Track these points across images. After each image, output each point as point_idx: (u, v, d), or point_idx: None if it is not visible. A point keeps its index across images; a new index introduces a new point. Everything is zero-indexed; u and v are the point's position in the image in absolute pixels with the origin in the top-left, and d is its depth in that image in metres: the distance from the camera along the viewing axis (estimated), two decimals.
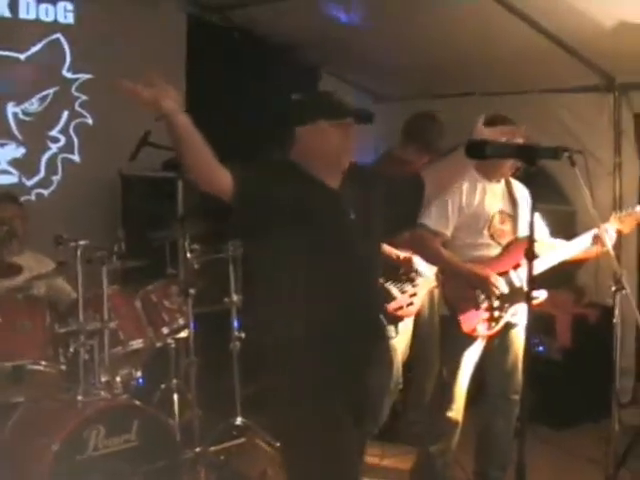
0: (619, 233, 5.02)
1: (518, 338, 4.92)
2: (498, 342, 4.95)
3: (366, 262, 3.64)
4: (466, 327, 4.81)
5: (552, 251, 4.92)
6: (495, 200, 4.91)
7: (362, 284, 3.62)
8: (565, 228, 5.74)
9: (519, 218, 4.92)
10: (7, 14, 6.55)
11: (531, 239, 3.03)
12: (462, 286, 4.84)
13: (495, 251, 4.89)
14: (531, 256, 3.03)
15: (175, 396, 5.52)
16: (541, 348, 6.39)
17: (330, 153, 3.56)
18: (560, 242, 5.07)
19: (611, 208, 5.82)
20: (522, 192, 4.93)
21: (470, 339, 4.89)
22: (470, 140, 3.32)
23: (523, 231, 4.87)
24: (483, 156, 3.11)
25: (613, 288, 4.60)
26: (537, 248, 4.68)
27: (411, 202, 3.83)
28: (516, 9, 5.48)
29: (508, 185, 4.98)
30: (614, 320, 4.66)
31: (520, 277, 4.81)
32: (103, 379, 4.71)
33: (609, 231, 4.82)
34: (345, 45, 6.96)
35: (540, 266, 4.73)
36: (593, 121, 6.37)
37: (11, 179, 6.62)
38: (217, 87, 7.14)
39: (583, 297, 6.56)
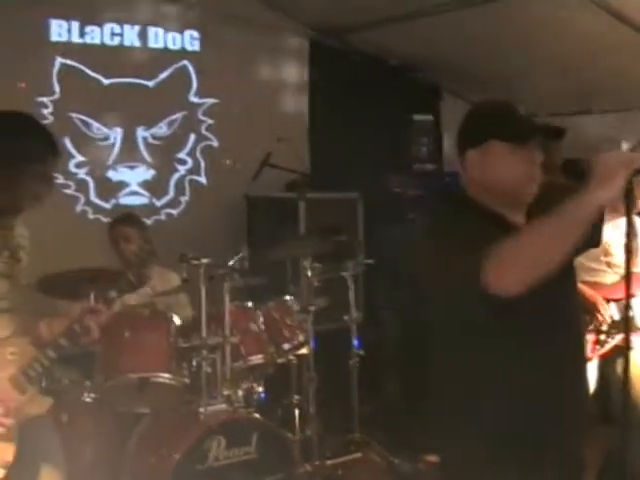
0: None
1: (635, 362, 4.83)
2: (616, 367, 4.88)
3: (569, 317, 2.98)
4: None
5: None
6: (617, 230, 4.85)
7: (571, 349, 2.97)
8: None
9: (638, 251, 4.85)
10: (137, 43, 6.86)
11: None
12: None
13: (611, 279, 4.84)
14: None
15: (296, 411, 5.60)
16: None
17: (509, 182, 2.87)
18: None
19: None
20: None
21: None
22: None
23: None
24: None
25: None
26: None
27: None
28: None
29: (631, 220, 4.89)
30: None
31: (635, 307, 4.73)
32: (225, 392, 4.82)
33: None
34: (466, 65, 6.98)
35: None
36: None
37: (142, 200, 6.89)
38: (339, 109, 7.26)
39: None
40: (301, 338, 5.38)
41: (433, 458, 4.62)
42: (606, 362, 4.86)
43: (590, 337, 4.78)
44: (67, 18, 6.66)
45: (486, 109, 3.04)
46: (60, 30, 6.66)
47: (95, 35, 6.76)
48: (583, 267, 4.81)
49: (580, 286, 4.70)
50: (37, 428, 3.34)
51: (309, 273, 5.52)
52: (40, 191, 3.28)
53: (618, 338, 4.78)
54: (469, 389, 2.92)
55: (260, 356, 5.13)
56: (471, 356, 2.89)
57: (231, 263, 4.94)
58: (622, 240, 4.77)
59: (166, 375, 4.74)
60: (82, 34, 6.72)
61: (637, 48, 5.66)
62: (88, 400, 4.82)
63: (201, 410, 4.63)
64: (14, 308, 3.33)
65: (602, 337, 4.77)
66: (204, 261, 4.75)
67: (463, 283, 2.68)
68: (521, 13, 5.81)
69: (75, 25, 6.68)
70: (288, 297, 5.51)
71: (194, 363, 4.81)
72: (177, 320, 4.93)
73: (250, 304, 5.24)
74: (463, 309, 2.81)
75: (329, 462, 5.41)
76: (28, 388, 3.22)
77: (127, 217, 5.71)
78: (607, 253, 4.82)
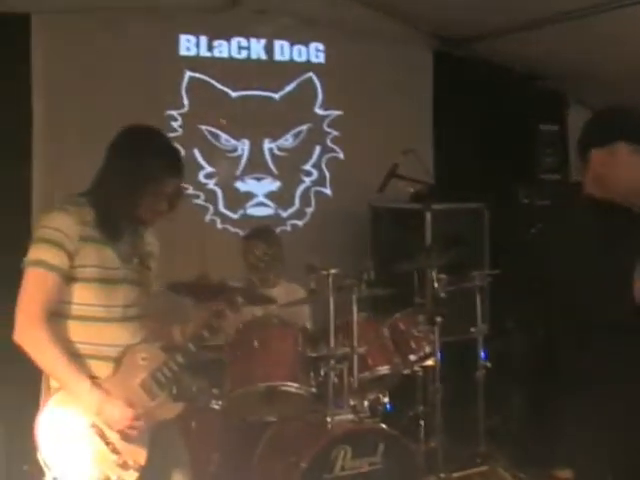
0: None
1: None
2: None
3: None
4: None
5: None
6: None
7: None
8: None
9: None
10: (263, 56, 6.97)
11: None
12: None
13: None
14: None
15: (421, 422, 5.58)
16: None
17: (633, 182, 3.00)
18: None
19: None
20: None
21: None
22: None
23: None
24: None
25: None
26: None
27: None
28: None
29: None
30: None
31: None
32: (351, 402, 4.85)
33: None
34: (593, 73, 6.85)
35: None
36: None
37: (268, 211, 6.99)
38: (464, 119, 7.22)
39: None
40: (427, 349, 5.36)
41: (564, 474, 4.52)
42: None
43: None
44: (196, 33, 6.81)
45: (615, 112, 3.16)
46: (189, 45, 6.82)
47: (223, 49, 6.90)
48: None
49: None
50: (168, 433, 3.43)
51: (435, 284, 5.50)
52: (170, 204, 3.37)
53: None
54: (603, 400, 2.88)
55: (386, 367, 5.13)
56: (610, 362, 2.89)
57: (360, 274, 4.95)
58: None
59: (294, 384, 4.77)
60: (210, 48, 6.87)
61: None
62: (216, 408, 4.91)
63: (328, 419, 4.64)
64: (144, 315, 3.43)
65: None
66: (332, 271, 4.77)
67: (610, 290, 2.69)
68: None
69: (203, 40, 6.84)
70: (414, 308, 5.51)
71: (321, 373, 4.83)
72: (307, 328, 4.98)
73: (377, 315, 5.26)
74: (606, 313, 2.79)
75: (455, 474, 5.37)
76: (159, 393, 3.31)
77: (262, 231, 5.78)
78: None
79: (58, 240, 3.15)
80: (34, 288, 3.16)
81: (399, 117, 7.30)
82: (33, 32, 6.27)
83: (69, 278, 3.19)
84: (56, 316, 3.21)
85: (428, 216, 6.17)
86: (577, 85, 7.42)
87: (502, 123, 7.16)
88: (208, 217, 6.84)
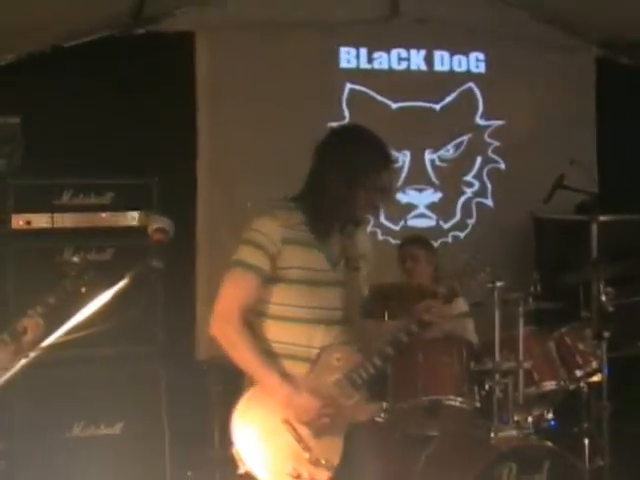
0: None
1: None
2: None
3: None
4: None
5: None
6: None
7: None
8: None
9: None
10: (423, 67, 6.96)
11: None
12: None
13: None
14: None
15: (586, 440, 5.43)
16: None
17: None
18: None
19: None
20: None
21: None
22: None
23: None
24: None
25: None
26: None
27: None
28: None
29: None
30: None
31: None
32: (516, 418, 4.77)
33: None
34: None
35: None
36: None
37: (429, 222, 6.97)
38: (629, 128, 7.02)
39: None
40: (594, 365, 5.23)
41: None
42: None
43: None
44: (355, 45, 6.86)
45: None
46: (349, 57, 6.88)
47: (382, 60, 6.93)
48: None
49: None
50: (361, 435, 3.45)
51: (602, 298, 5.35)
52: (378, 201, 3.39)
53: None
54: None
55: (552, 382, 5.05)
56: None
57: (526, 287, 4.88)
58: None
59: (458, 398, 4.75)
60: (370, 60, 6.91)
61: None
62: (379, 420, 4.90)
63: (492, 435, 4.58)
64: (348, 319, 3.44)
65: None
66: (499, 284, 4.71)
67: None
68: None
69: (363, 52, 6.88)
70: (580, 322, 5.38)
71: (486, 387, 4.78)
72: (473, 342, 4.94)
73: (542, 329, 5.16)
74: None
75: None
76: (353, 394, 3.34)
77: (417, 238, 5.80)
78: None
79: (260, 242, 3.27)
80: (232, 286, 3.32)
81: (561, 126, 7.16)
82: (197, 50, 6.46)
83: (272, 279, 3.30)
84: (256, 315, 3.35)
85: (594, 227, 5.99)
86: None
87: None
88: (369, 228, 6.83)
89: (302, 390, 3.23)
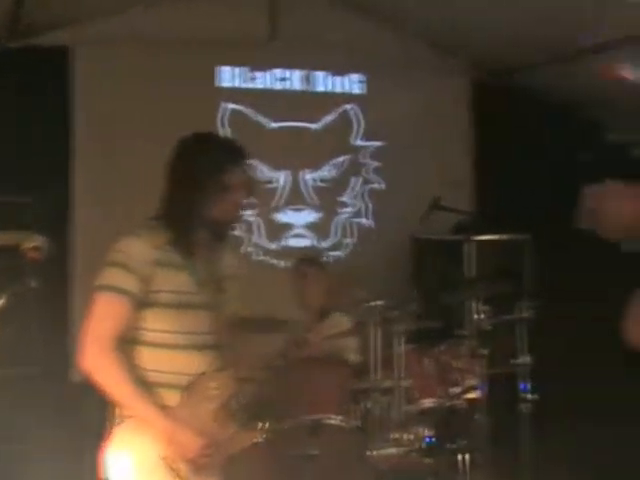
0: None
1: None
2: None
3: None
4: None
5: None
6: None
7: None
8: None
9: None
10: (303, 87, 6.98)
11: None
12: None
13: None
14: None
15: (464, 457, 5.49)
16: None
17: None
18: None
19: None
20: None
21: None
22: None
23: None
24: None
25: None
26: None
27: None
28: None
29: None
30: None
31: None
32: (395, 436, 4.79)
33: None
34: (628, 101, 6.81)
35: None
36: None
37: (307, 242, 6.97)
38: (505, 150, 7.19)
39: None
40: (471, 382, 5.30)
41: None
42: None
43: None
44: (234, 64, 6.84)
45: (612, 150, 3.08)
46: (227, 76, 6.85)
47: (261, 80, 6.91)
48: None
49: None
50: (239, 464, 3.37)
51: (479, 317, 5.44)
52: (235, 202, 3.25)
53: None
54: None
55: (431, 400, 5.08)
56: None
57: (404, 306, 4.91)
58: None
59: (338, 417, 4.73)
60: (249, 79, 6.88)
61: None
62: (259, 441, 4.85)
63: (371, 453, 4.58)
64: (219, 344, 3.30)
65: None
66: (378, 303, 4.73)
67: None
68: None
69: (242, 71, 6.86)
70: (458, 340, 5.45)
71: (366, 406, 4.78)
72: (351, 361, 4.94)
73: (421, 347, 5.21)
74: None
75: None
76: (230, 424, 3.25)
77: (307, 258, 5.80)
78: None
79: (129, 264, 3.08)
80: (104, 313, 3.09)
81: (440, 148, 7.28)
82: (73, 65, 6.34)
83: (143, 304, 3.11)
84: (128, 343, 3.13)
85: (470, 247, 6.12)
86: (613, 113, 7.37)
87: (544, 153, 7.12)
88: (245, 248, 6.81)
89: (184, 426, 3.08)
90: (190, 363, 3.18)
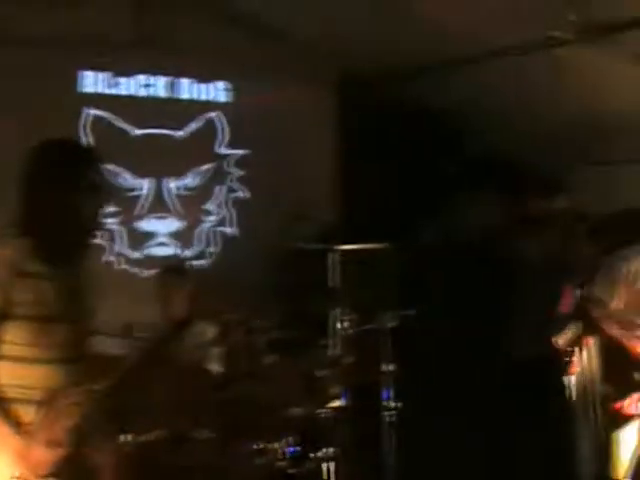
0: None
1: None
2: None
3: None
4: (618, 404, 4.73)
5: None
6: None
7: None
8: None
9: None
10: (167, 94, 6.89)
11: None
12: (621, 363, 4.76)
13: None
14: None
15: (328, 465, 5.52)
16: None
17: None
18: None
19: None
20: None
21: (623, 418, 4.78)
22: None
23: None
24: None
25: None
26: None
27: None
28: None
29: None
30: None
31: None
32: (258, 446, 4.78)
33: None
34: (493, 112, 6.99)
35: None
36: None
37: (170, 251, 6.87)
38: (370, 159, 7.25)
39: None
40: (335, 391, 5.34)
41: None
42: None
43: (637, 395, 4.73)
44: (97, 69, 6.70)
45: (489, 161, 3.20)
46: (91, 81, 6.71)
47: (125, 86, 6.80)
48: (632, 323, 4.78)
49: (631, 341, 4.69)
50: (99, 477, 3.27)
51: (342, 325, 5.48)
52: (85, 205, 3.14)
53: None
54: None
55: (295, 409, 5.09)
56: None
57: (267, 316, 4.92)
58: None
59: (201, 429, 4.70)
60: (112, 85, 6.76)
61: None
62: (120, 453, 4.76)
63: (234, 465, 4.57)
64: (79, 356, 3.17)
65: None
66: (240, 314, 4.72)
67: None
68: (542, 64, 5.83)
69: (106, 76, 6.73)
70: (321, 350, 5.47)
71: (227, 416, 4.75)
72: (215, 371, 4.91)
73: (284, 357, 5.21)
74: None
75: None
76: (90, 438, 3.15)
77: (171, 267, 5.71)
78: None
79: None
80: None
81: (306, 157, 7.29)
82: None
83: (2, 315, 2.98)
84: None
85: (333, 257, 6.14)
86: (478, 124, 7.54)
87: (407, 163, 7.22)
88: (107, 257, 6.68)
89: (39, 443, 2.96)
90: (48, 377, 3.06)
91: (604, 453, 4.67)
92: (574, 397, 4.77)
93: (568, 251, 2.87)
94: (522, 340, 2.84)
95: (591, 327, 4.62)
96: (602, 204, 5.34)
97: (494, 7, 4.91)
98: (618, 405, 4.75)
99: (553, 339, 3.03)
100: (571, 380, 5.26)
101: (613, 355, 4.82)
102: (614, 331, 4.77)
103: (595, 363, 4.91)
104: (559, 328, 3.64)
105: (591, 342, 4.88)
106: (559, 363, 3.17)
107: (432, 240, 6.80)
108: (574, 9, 4.85)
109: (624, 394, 4.76)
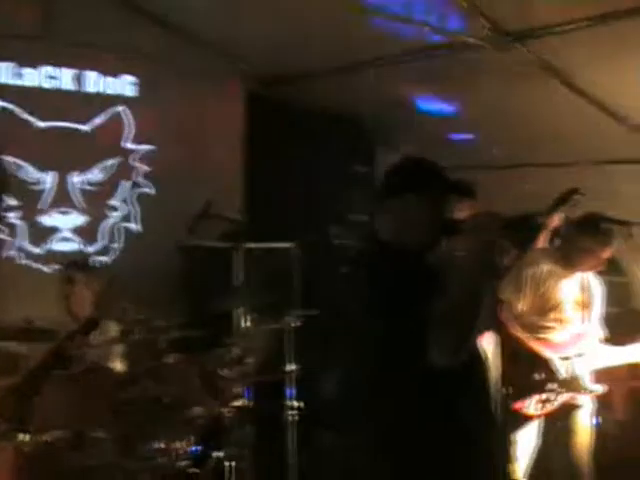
0: None
1: (583, 421, 4.96)
2: (563, 425, 4.97)
3: None
4: (518, 405, 4.85)
5: (608, 353, 4.98)
6: (569, 288, 4.96)
7: None
8: (619, 299, 5.76)
9: (590, 309, 4.99)
10: (73, 87, 6.78)
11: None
12: (522, 364, 4.88)
13: (560, 336, 4.94)
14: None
15: (230, 464, 5.53)
16: (596, 421, 6.33)
17: (419, 232, 3.17)
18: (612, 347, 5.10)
19: None
20: (597, 285, 5.02)
21: (523, 418, 4.91)
22: None
23: (593, 322, 4.96)
24: None
25: None
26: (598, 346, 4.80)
27: None
28: (571, 84, 5.56)
29: (586, 277, 5.04)
30: None
31: (581, 366, 4.86)
32: (160, 446, 4.76)
33: None
34: (400, 117, 7.08)
35: (594, 365, 4.83)
36: None
37: (73, 246, 6.76)
38: (277, 159, 7.28)
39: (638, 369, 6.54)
40: (238, 390, 5.35)
41: None
42: (550, 421, 4.94)
43: (538, 396, 4.86)
44: (1, 59, 6.56)
45: (404, 164, 3.36)
46: None
47: (30, 77, 6.67)
48: (535, 324, 4.91)
49: (533, 344, 4.82)
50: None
51: (245, 324, 5.50)
52: None
53: (565, 396, 4.88)
54: None
55: (197, 409, 5.09)
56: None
57: (170, 315, 4.90)
58: (573, 297, 4.95)
59: (102, 429, 4.66)
60: (17, 76, 6.63)
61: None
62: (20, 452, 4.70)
63: (138, 464, 4.54)
64: None
65: (551, 396, 4.85)
66: (143, 313, 4.69)
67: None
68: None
69: (9, 66, 6.59)
70: (225, 349, 5.48)
71: (132, 416, 4.72)
72: (118, 370, 4.87)
73: (188, 356, 5.20)
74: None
75: None
76: None
77: (74, 262, 5.65)
78: (558, 310, 4.93)
79: None
80: None
81: (212, 154, 7.26)
82: None
83: None
84: None
85: (238, 255, 6.15)
86: (386, 128, 7.62)
87: (315, 164, 7.26)
88: (8, 252, 6.55)
89: None
90: None
91: (504, 453, 4.78)
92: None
93: (486, 254, 2.94)
94: (441, 344, 2.88)
95: (497, 328, 4.73)
96: (511, 207, 5.48)
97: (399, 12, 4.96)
98: (518, 406, 4.88)
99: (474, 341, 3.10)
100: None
101: (515, 356, 4.94)
102: (518, 333, 4.91)
103: (497, 364, 5.03)
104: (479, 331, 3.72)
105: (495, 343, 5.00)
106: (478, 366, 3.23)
107: (341, 240, 6.87)
108: (483, 15, 4.94)
109: (525, 395, 4.90)
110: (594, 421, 5.23)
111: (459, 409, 3.06)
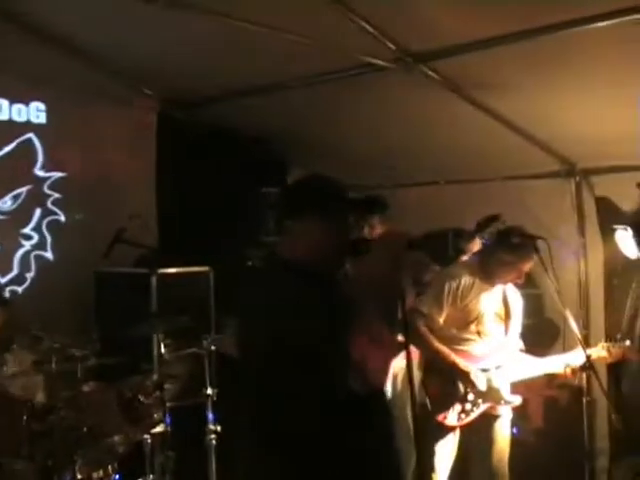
0: (603, 360, 5.12)
1: (502, 430, 5.03)
2: (483, 435, 5.04)
3: None
4: (438, 416, 4.92)
5: (525, 365, 5.07)
6: (490, 301, 5.04)
7: None
8: (533, 310, 5.88)
9: (510, 321, 5.08)
10: None
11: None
12: (442, 376, 4.95)
13: (480, 348, 5.01)
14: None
15: None
16: (514, 430, 6.44)
17: (321, 252, 3.18)
18: (529, 358, 5.20)
19: (577, 288, 6.03)
20: (516, 298, 5.11)
21: (443, 429, 4.97)
22: None
23: (512, 334, 5.05)
24: None
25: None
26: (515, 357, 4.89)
27: None
28: (477, 102, 5.65)
29: (506, 290, 5.13)
30: (584, 400, 4.80)
31: (500, 377, 4.94)
32: (80, 476, 4.70)
33: (593, 355, 4.94)
34: (311, 138, 7.12)
35: (512, 376, 4.92)
36: (556, 205, 6.49)
37: None
38: (189, 183, 7.27)
39: (554, 379, 6.66)
40: (156, 416, 5.32)
41: None
42: (469, 431, 5.01)
43: (458, 407, 4.93)
44: None
45: (305, 184, 3.41)
46: None
47: None
48: (455, 337, 4.98)
49: (453, 356, 4.88)
50: None
51: (162, 350, 5.48)
52: None
53: (483, 407, 4.96)
54: None
55: (116, 436, 5.03)
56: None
57: (85, 343, 4.86)
58: (493, 309, 5.04)
59: (18, 460, 4.59)
60: None
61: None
62: None
63: None
64: None
65: (468, 407, 4.93)
66: (57, 342, 4.65)
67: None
68: (365, 93, 5.98)
69: None
70: (142, 375, 5.44)
71: (50, 446, 4.66)
72: (33, 400, 4.80)
73: (104, 384, 5.15)
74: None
75: None
76: None
77: None
78: (479, 322, 5.00)
79: None
80: None
81: (124, 180, 7.22)
82: None
83: None
84: None
85: (153, 280, 6.12)
86: (298, 150, 7.66)
87: (227, 187, 7.26)
88: None
89: None
90: None
91: (425, 464, 4.84)
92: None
93: (395, 271, 2.99)
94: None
95: (415, 340, 4.79)
96: (420, 224, 5.56)
97: (309, 33, 4.99)
98: (440, 417, 4.94)
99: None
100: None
101: (435, 368, 5.01)
102: (439, 345, 4.97)
103: (418, 375, 5.11)
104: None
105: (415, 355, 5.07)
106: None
107: (254, 262, 6.87)
108: (390, 37, 5.00)
109: (445, 406, 4.96)
110: (512, 430, 5.33)
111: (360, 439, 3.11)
